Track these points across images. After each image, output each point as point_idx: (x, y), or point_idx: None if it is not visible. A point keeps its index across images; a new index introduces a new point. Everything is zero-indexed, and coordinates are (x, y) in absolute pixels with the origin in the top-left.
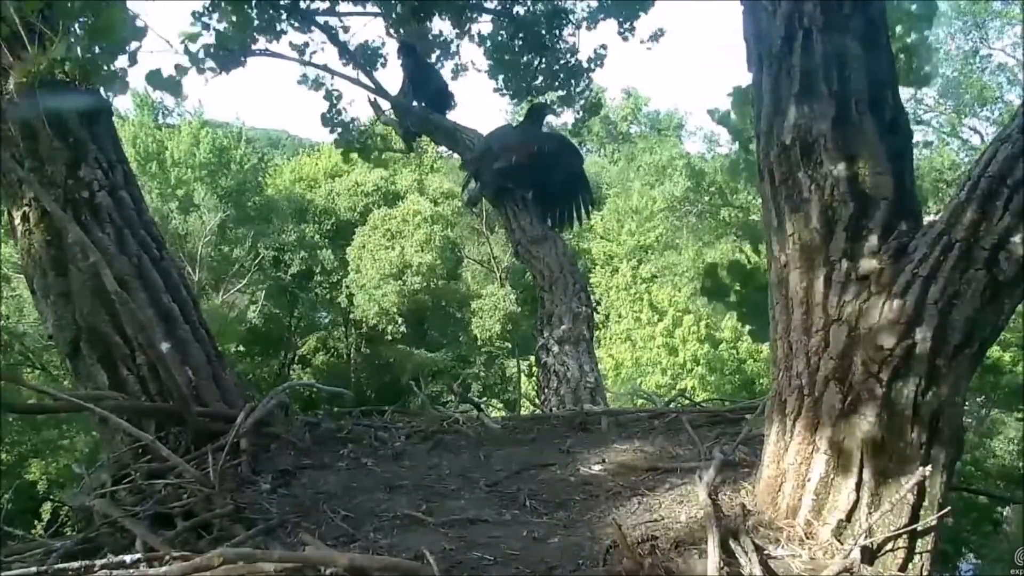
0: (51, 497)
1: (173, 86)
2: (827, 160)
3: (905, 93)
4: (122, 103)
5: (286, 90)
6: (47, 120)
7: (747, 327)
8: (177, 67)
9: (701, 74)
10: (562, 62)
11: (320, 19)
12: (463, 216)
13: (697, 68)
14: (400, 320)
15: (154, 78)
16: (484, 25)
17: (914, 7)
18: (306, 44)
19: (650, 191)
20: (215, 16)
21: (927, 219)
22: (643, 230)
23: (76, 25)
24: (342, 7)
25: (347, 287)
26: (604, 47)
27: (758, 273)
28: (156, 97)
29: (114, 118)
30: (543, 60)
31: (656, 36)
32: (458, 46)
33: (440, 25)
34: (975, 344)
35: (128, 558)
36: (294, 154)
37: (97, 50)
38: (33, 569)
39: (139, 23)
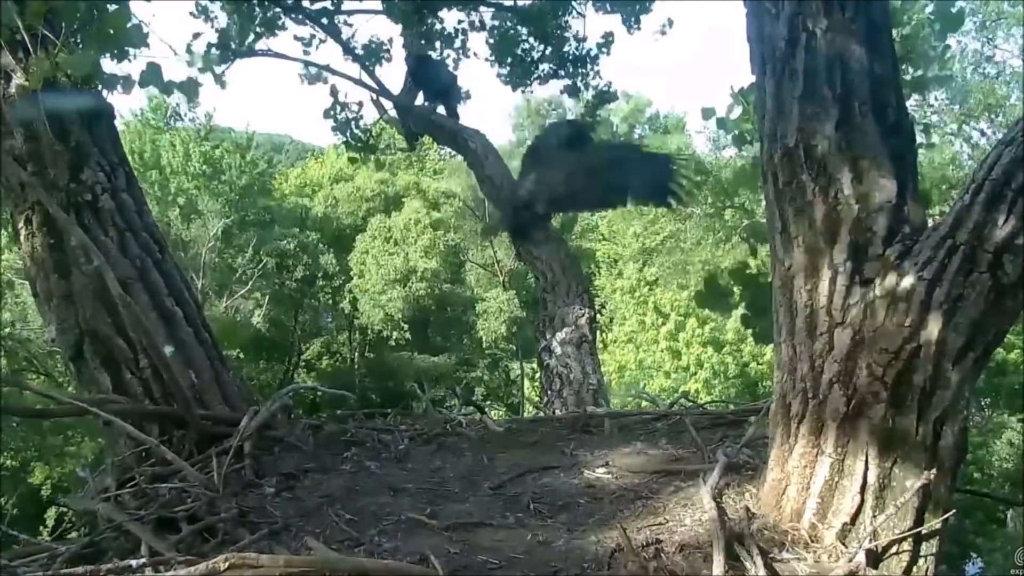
0: (56, 502)
1: (189, 89)
2: (830, 163)
3: (911, 96)
4: (135, 105)
5: (289, 95)
6: (48, 123)
7: (751, 329)
8: (190, 80)
9: (701, 75)
10: (566, 50)
11: (323, 19)
12: (465, 219)
13: (696, 69)
14: (405, 326)
15: (170, 84)
16: (488, 13)
17: (928, 9)
18: (312, 36)
19: None
20: (214, 12)
21: (931, 222)
22: (648, 232)
23: (79, 29)
24: (345, 5)
25: (350, 291)
26: (611, 34)
27: (761, 277)
28: (172, 101)
29: (117, 122)
30: (547, 48)
31: (664, 30)
32: (464, 38)
33: (444, 15)
34: (979, 347)
35: (133, 562)
36: (298, 159)
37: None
38: (39, 573)
39: (143, 28)
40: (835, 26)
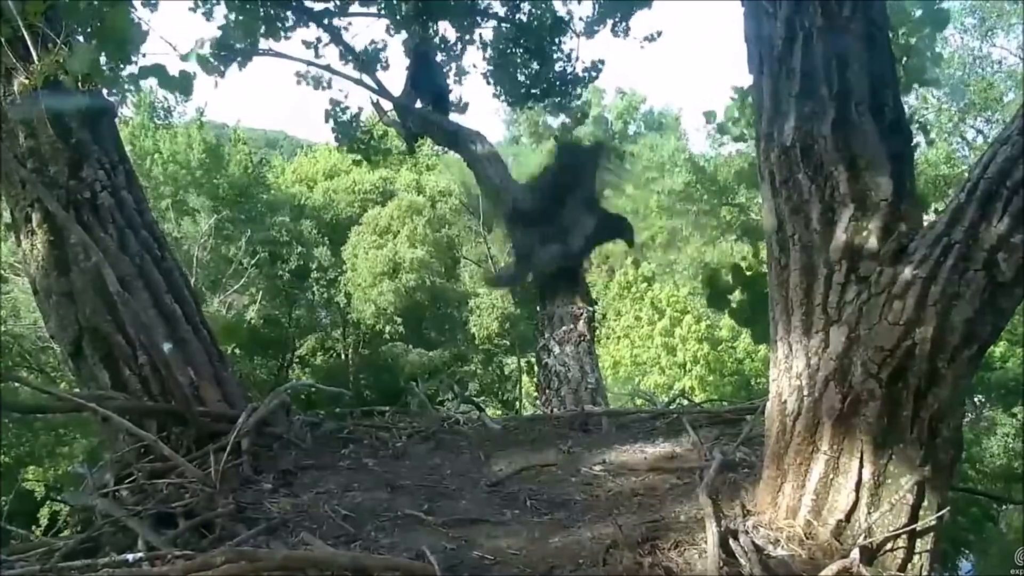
0: (52, 497)
1: (183, 85)
2: (827, 162)
3: (911, 93)
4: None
5: (284, 91)
6: (49, 121)
7: (747, 329)
8: (182, 72)
9: (696, 71)
10: (559, 70)
11: (325, 20)
12: (460, 215)
13: (691, 66)
14: (399, 320)
15: (165, 81)
16: (487, 31)
17: (919, 11)
18: (318, 39)
19: (647, 187)
20: (218, 10)
21: (927, 220)
22: (638, 229)
23: (80, 28)
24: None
25: (344, 286)
26: (602, 61)
27: (759, 277)
28: (160, 98)
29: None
30: (543, 67)
31: (652, 37)
32: (462, 50)
33: (444, 29)
34: (974, 345)
35: (130, 557)
36: (292, 155)
37: (103, 53)
38: (36, 567)
39: (143, 27)
40: (832, 25)
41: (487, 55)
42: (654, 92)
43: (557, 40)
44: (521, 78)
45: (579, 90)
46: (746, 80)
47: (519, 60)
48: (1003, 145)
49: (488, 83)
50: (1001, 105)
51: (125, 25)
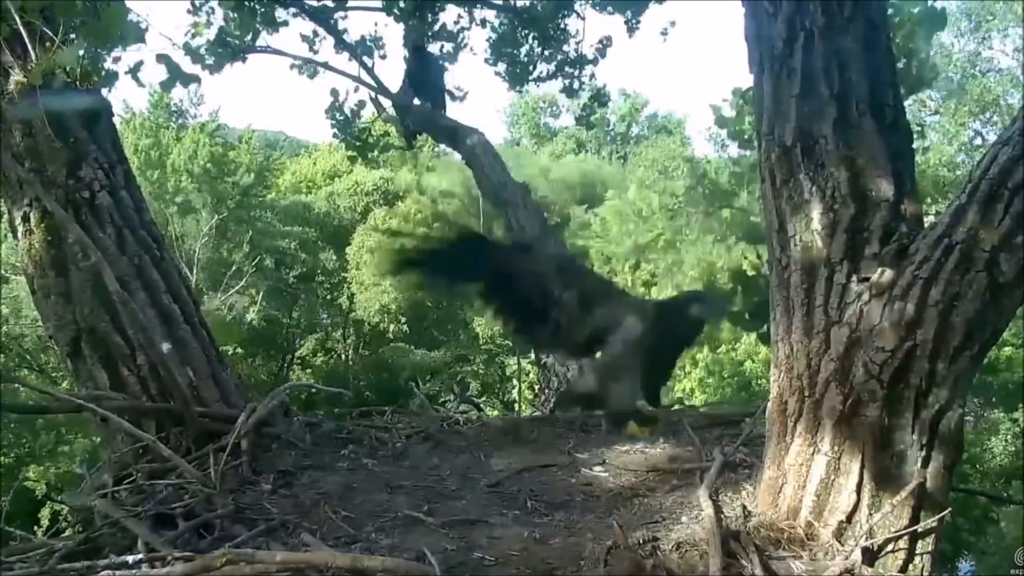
0: (52, 498)
1: (186, 78)
2: (828, 162)
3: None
4: (137, 102)
5: (283, 91)
6: (47, 120)
7: (747, 330)
8: (183, 73)
9: (700, 75)
10: (565, 51)
11: (324, 17)
12: (461, 216)
13: (695, 69)
14: (403, 319)
15: (167, 82)
16: (488, 12)
17: (916, 9)
18: (315, 33)
19: (647, 190)
20: (215, 9)
21: (928, 221)
22: (641, 230)
23: (77, 25)
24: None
25: (348, 285)
26: (608, 38)
27: (759, 278)
28: (175, 100)
29: (124, 116)
30: (545, 49)
31: (666, 31)
32: (462, 35)
33: (444, 14)
34: (975, 346)
35: (130, 558)
36: (292, 155)
37: (97, 50)
38: (35, 569)
39: (141, 24)
40: (833, 25)
41: (488, 36)
42: (658, 96)
43: (562, 21)
44: (523, 58)
45: (586, 70)
46: (748, 82)
47: (521, 39)
48: (1004, 146)
49: (489, 64)
50: (998, 107)
51: (120, 23)
